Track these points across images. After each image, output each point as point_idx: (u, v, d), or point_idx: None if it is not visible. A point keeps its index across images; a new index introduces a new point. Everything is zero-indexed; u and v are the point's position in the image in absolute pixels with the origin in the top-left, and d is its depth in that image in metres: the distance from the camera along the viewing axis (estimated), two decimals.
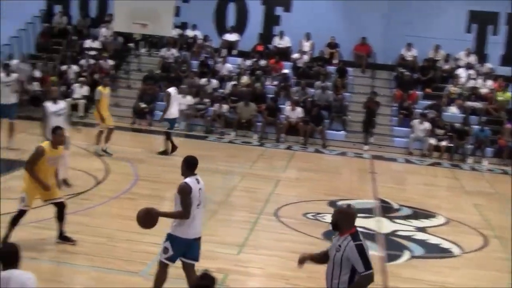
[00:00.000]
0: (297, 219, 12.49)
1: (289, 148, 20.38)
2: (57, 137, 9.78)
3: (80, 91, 22.16)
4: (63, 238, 10.00)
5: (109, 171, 13.76)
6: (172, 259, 7.85)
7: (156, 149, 17.50)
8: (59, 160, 10.15)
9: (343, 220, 6.50)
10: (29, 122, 17.81)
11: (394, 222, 13.09)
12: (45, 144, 9.82)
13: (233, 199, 13.80)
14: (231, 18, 25.96)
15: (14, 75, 16.81)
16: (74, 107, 21.44)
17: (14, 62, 23.10)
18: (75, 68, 23.32)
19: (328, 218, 12.50)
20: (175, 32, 24.02)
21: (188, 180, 7.82)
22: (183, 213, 7.69)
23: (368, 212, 13.52)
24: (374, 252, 11.16)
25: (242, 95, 22.18)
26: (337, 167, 19.24)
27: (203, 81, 23.07)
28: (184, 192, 7.69)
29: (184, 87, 20.58)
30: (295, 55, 24.57)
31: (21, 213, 9.73)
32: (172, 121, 17.63)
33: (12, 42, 25.03)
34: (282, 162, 18.28)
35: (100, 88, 16.55)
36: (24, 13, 25.20)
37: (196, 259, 7.96)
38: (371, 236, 11.78)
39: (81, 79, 22.60)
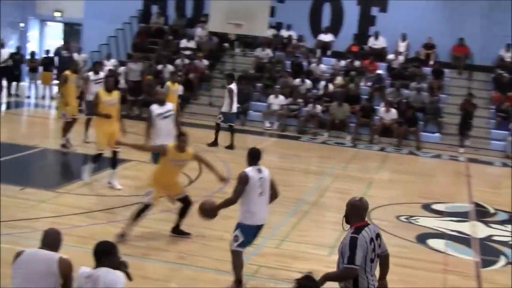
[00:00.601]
0: (389, 221, 12.26)
1: (382, 149, 20.08)
2: (180, 143, 9.99)
3: None
4: (178, 232, 10.35)
5: (202, 170, 13.86)
6: (243, 245, 8.31)
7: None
8: (185, 163, 10.32)
9: (352, 212, 6.35)
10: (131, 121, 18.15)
11: (490, 226, 12.68)
12: (171, 145, 10.09)
13: (326, 200, 13.69)
14: (326, 18, 25.81)
15: (102, 74, 17.17)
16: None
17: (111, 61, 23.78)
18: (170, 67, 23.72)
19: (422, 221, 12.40)
20: (269, 32, 24.07)
21: (248, 169, 8.29)
22: (231, 198, 8.22)
23: (463, 216, 13.16)
24: (469, 257, 10.87)
25: (336, 95, 22.01)
26: (431, 170, 18.79)
27: (297, 81, 23.03)
28: (239, 180, 8.20)
29: (278, 87, 20.58)
30: (390, 56, 24.21)
31: (145, 208, 10.01)
32: (231, 116, 18.01)
33: (110, 42, 25.69)
34: (375, 163, 18.03)
35: (168, 83, 16.81)
36: (121, 14, 25.84)
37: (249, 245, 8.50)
38: (466, 240, 11.44)
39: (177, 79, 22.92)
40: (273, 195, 8.63)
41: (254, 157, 8.46)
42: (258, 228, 8.43)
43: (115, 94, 13.25)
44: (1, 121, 19.93)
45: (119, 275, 5.84)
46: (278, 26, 25.72)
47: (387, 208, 13.20)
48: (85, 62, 23.98)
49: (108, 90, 13.14)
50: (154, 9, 27.07)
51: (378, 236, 6.31)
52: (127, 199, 11.88)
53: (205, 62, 24.34)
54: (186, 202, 10.29)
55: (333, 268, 9.20)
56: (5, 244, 9.46)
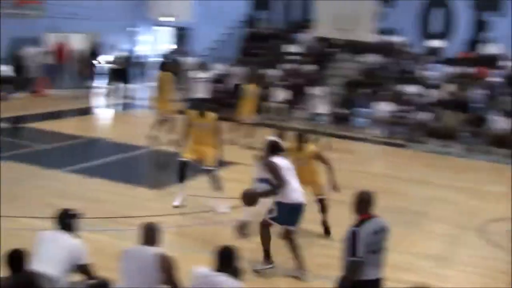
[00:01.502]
0: (503, 235, 11.70)
1: (495, 160, 19.27)
2: (298, 142, 10.47)
3: (282, 95, 22.50)
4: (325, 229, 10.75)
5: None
6: (275, 220, 8.71)
7: (357, 156, 17.28)
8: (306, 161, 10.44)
9: (355, 204, 6.38)
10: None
11: None
12: (290, 146, 10.36)
13: (434, 210, 13.22)
14: (436, 23, 25.17)
15: (206, 74, 17.42)
16: (277, 111, 21.85)
17: (219, 65, 24.09)
18: (277, 72, 23.72)
19: None
20: (377, 38, 23.69)
21: (271, 158, 8.81)
22: (278, 184, 8.52)
23: None
24: None
25: (447, 103, 21.39)
26: None
27: (406, 87, 22.54)
28: (270, 166, 8.62)
29: (385, 93, 20.20)
30: (505, 63, 23.32)
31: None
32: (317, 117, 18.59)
33: (217, 46, 26.00)
34: (488, 175, 17.33)
35: (245, 86, 17.04)
36: (229, 18, 26.12)
37: (292, 224, 8.78)
38: None
39: (283, 83, 22.95)
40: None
41: (274, 148, 9.02)
42: (295, 206, 8.68)
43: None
44: (115, 121, 20.52)
45: (239, 285, 5.81)
46: (386, 32, 25.27)
47: (500, 221, 12.59)
48: (194, 66, 24.35)
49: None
50: (262, 14, 27.18)
51: (383, 229, 6.41)
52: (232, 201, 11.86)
53: (312, 67, 24.20)
54: (323, 203, 10.67)
55: (439, 281, 8.84)
56: (112, 238, 9.68)
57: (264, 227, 8.86)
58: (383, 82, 23.15)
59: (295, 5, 27.37)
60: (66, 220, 6.92)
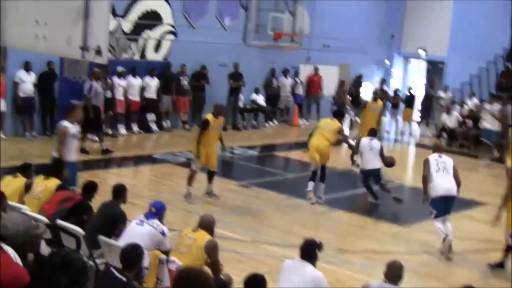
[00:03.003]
0: None
1: None
2: None
3: None
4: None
5: None
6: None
7: None
8: None
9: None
10: None
11: None
12: None
13: None
14: None
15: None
16: None
17: (473, 100, 23.13)
18: None
19: None
20: None
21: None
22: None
23: None
24: None
25: None
26: None
27: None
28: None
29: None
30: None
31: None
32: None
33: (473, 81, 25.08)
34: None
35: (369, 100, 17.17)
36: (486, 52, 25.05)
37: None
38: None
39: None
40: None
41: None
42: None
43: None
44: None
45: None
46: None
47: None
48: (448, 100, 23.78)
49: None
50: None
51: None
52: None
53: None
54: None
55: None
56: (353, 272, 9.52)
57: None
58: None
59: None
60: (310, 250, 6.87)
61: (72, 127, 10.98)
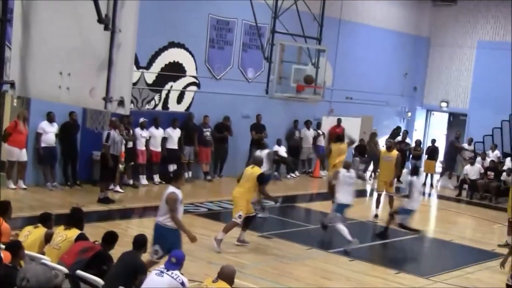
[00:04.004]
0: None
1: None
2: None
3: None
4: None
5: None
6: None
7: None
8: None
9: None
10: None
11: None
12: None
13: None
14: None
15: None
16: None
17: (495, 153, 23.04)
18: None
19: None
20: None
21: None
22: None
23: None
24: None
25: None
26: None
27: None
28: None
29: None
30: None
31: None
32: None
33: (494, 133, 25.00)
34: None
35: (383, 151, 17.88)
36: (508, 105, 24.93)
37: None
38: None
39: None
40: None
41: None
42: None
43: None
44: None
45: None
46: None
47: None
48: (471, 153, 23.74)
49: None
50: None
51: None
52: None
53: None
54: None
55: None
56: None
57: None
58: None
59: None
60: None
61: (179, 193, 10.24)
